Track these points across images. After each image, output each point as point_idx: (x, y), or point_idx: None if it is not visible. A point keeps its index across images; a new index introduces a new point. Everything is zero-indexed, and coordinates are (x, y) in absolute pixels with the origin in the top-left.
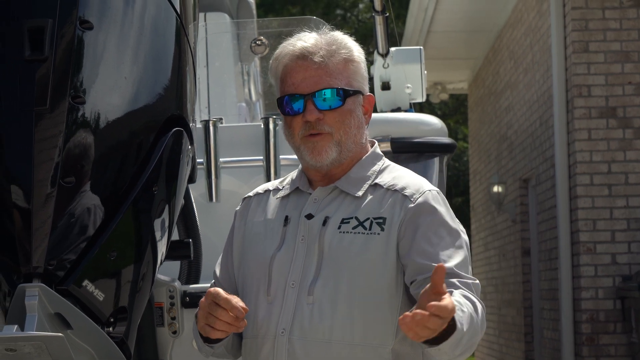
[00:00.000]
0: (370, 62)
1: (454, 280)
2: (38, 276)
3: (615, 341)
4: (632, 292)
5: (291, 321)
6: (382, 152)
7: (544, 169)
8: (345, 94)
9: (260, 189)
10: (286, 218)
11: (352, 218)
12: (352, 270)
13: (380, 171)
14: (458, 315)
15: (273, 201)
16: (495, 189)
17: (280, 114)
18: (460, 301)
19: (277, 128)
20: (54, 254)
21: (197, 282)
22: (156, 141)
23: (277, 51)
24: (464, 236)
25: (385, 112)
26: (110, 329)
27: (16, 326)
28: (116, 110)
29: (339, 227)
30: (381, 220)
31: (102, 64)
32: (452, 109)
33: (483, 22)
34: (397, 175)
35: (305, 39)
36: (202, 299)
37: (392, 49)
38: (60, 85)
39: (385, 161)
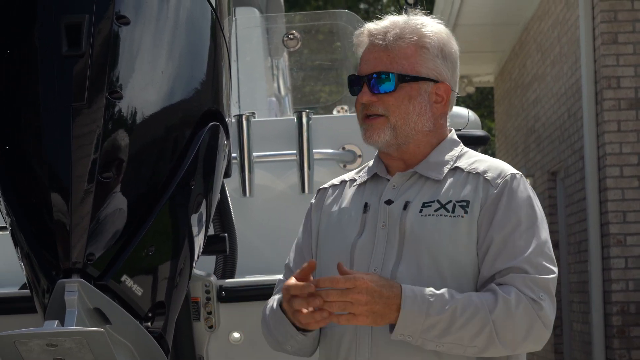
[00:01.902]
0: None
1: (511, 274)
2: (77, 271)
3: None
4: None
5: None
6: None
7: (572, 162)
8: (400, 79)
9: (335, 180)
10: (365, 205)
11: (433, 201)
12: (435, 252)
13: (459, 156)
14: (420, 300)
15: (349, 190)
16: None
17: None
18: (444, 295)
19: (310, 122)
20: (93, 249)
21: (232, 277)
22: (193, 136)
23: (357, 32)
24: (543, 221)
25: None
26: (149, 323)
27: (57, 321)
28: (153, 105)
29: (420, 211)
30: (464, 203)
31: (139, 59)
32: (477, 102)
33: (510, 15)
34: (477, 159)
35: (385, 21)
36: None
37: None
38: (98, 81)
39: (464, 147)
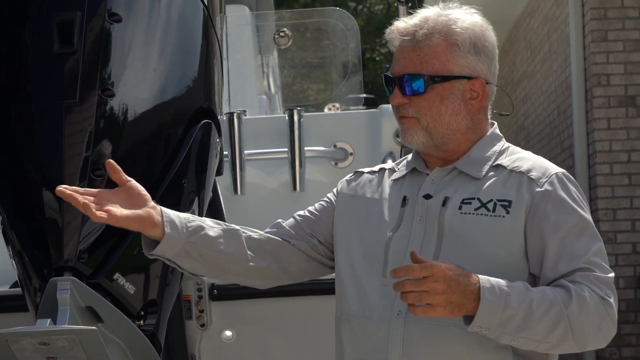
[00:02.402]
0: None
1: (577, 273)
2: (69, 270)
3: (637, 330)
4: None
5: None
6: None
7: (562, 159)
8: (431, 81)
9: (375, 167)
10: (404, 198)
11: (473, 199)
12: (475, 252)
13: (501, 152)
14: (498, 291)
15: (388, 182)
16: None
17: None
18: (520, 288)
19: (302, 120)
20: (85, 247)
21: None
22: (185, 133)
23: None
24: (591, 220)
25: None
26: (141, 322)
27: (49, 320)
28: (145, 102)
29: (460, 208)
30: (506, 203)
31: (131, 57)
32: None
33: (499, 13)
34: (519, 156)
35: (415, 17)
36: None
37: None
38: (90, 79)
39: (505, 143)
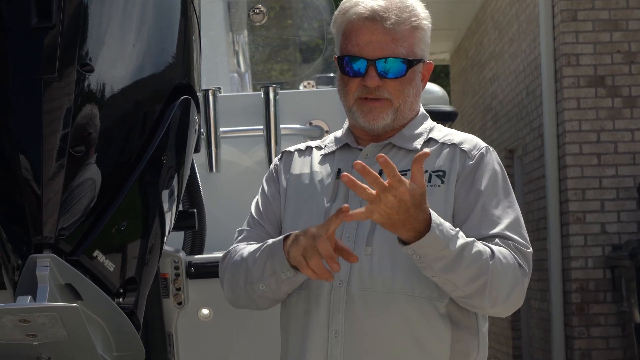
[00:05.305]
0: None
1: (497, 239)
2: (49, 247)
3: (605, 310)
4: (622, 261)
5: (349, 272)
6: None
7: (531, 139)
8: (408, 65)
9: (300, 145)
10: (339, 171)
11: (408, 171)
12: None
13: (431, 129)
14: (443, 230)
15: (317, 157)
16: None
17: (337, 70)
18: (460, 234)
19: (277, 97)
20: (65, 224)
21: (201, 253)
22: (164, 110)
23: (345, 5)
24: (514, 197)
25: None
26: (120, 299)
27: (30, 297)
28: (125, 78)
29: None
30: (441, 173)
31: (110, 32)
32: (429, 80)
33: None
34: (449, 132)
35: (378, 0)
36: (302, 236)
37: None
38: (69, 53)
39: (432, 122)
